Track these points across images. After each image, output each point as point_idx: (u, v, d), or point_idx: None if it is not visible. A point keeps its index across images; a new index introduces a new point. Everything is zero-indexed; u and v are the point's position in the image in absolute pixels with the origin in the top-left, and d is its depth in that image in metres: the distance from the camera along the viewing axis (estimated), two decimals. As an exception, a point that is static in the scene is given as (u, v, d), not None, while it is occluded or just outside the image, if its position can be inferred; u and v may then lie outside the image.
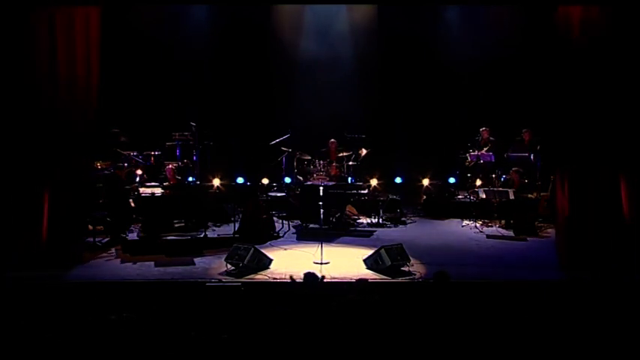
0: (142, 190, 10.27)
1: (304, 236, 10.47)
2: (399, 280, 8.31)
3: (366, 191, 11.78)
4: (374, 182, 12.00)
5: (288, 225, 11.09)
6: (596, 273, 8.35)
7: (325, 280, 8.05)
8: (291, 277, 7.32)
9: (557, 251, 9.05)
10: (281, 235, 10.60)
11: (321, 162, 11.93)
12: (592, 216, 8.69)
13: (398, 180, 12.96)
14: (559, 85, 8.81)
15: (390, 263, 8.44)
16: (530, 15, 11.54)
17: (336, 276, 8.26)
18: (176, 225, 10.34)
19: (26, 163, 8.73)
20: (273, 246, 9.84)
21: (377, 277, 8.34)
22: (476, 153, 12.04)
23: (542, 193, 11.16)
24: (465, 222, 11.40)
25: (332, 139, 12.14)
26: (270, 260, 8.79)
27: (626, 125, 8.61)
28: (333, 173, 11.69)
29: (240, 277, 8.27)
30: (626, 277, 8.16)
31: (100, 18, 8.89)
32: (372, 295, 6.31)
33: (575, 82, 8.67)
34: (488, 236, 10.55)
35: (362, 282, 6.86)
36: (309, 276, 6.86)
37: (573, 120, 8.71)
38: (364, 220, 11.69)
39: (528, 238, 10.34)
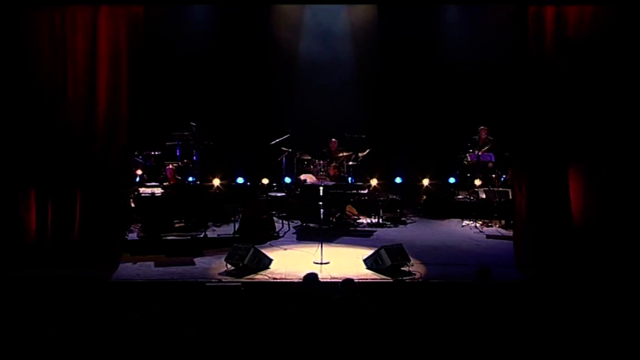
0: (141, 190, 10.27)
1: (304, 236, 10.47)
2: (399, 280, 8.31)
3: (366, 191, 11.80)
4: (374, 182, 12.02)
5: (288, 225, 11.10)
6: (549, 274, 8.27)
7: (325, 280, 8.08)
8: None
9: (514, 250, 8.91)
10: (281, 235, 10.61)
11: (321, 162, 11.94)
12: (546, 216, 8.60)
13: (398, 180, 12.98)
14: (514, 84, 8.78)
15: (390, 263, 8.44)
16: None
17: (336, 276, 8.26)
18: (176, 225, 10.34)
19: (60, 162, 8.60)
20: (273, 246, 9.84)
21: (377, 277, 8.34)
22: (476, 153, 12.04)
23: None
24: (465, 222, 11.42)
25: (332, 139, 12.15)
26: (270, 260, 8.79)
27: (579, 125, 8.55)
28: (332, 173, 11.70)
29: (240, 277, 8.27)
30: (575, 280, 8.08)
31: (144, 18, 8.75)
32: (355, 295, 6.32)
33: (530, 81, 8.62)
34: (488, 236, 10.56)
35: (348, 282, 6.87)
36: (309, 276, 6.86)
37: (529, 120, 8.63)
38: (364, 220, 11.70)
39: (528, 238, 10.34)
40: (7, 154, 8.54)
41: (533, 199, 8.64)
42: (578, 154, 8.61)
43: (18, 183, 8.56)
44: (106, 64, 8.57)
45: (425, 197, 12.46)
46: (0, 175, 8.53)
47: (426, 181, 12.49)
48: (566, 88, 8.55)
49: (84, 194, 8.59)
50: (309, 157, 12.17)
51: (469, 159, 12.18)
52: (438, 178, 12.72)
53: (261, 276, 8.37)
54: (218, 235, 10.29)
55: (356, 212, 11.82)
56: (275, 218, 11.20)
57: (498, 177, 11.73)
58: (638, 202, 8.51)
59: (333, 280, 8.08)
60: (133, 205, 10.27)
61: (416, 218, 12.04)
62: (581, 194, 8.61)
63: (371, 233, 10.85)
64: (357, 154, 12.13)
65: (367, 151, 12.18)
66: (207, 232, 10.08)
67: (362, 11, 13.32)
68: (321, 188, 9.58)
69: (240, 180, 12.36)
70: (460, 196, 12.52)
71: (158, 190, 10.33)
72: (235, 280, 8.17)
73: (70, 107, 8.56)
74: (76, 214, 8.58)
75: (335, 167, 11.78)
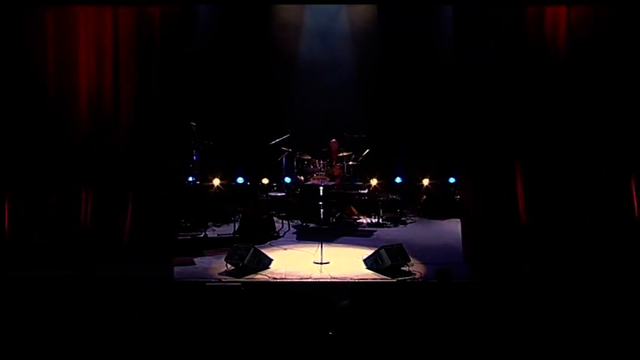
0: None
1: (304, 236, 10.48)
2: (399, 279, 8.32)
3: (366, 191, 11.79)
4: (374, 182, 12.01)
5: (288, 225, 11.10)
6: (494, 272, 8.27)
7: (326, 280, 8.09)
8: None
9: (463, 246, 8.89)
10: (281, 235, 10.61)
11: (322, 162, 11.94)
12: (491, 214, 8.64)
13: (398, 180, 12.96)
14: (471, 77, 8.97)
15: (390, 263, 8.43)
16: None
17: (336, 276, 8.26)
18: (176, 225, 10.34)
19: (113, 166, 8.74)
20: (273, 246, 9.84)
21: (377, 277, 8.34)
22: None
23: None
24: (465, 222, 11.39)
25: (333, 139, 12.14)
26: (270, 260, 8.79)
27: (524, 122, 8.60)
28: (336, 173, 11.68)
29: (240, 277, 8.27)
30: (520, 278, 8.08)
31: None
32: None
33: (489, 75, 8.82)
34: (488, 236, 10.55)
35: (444, 272, 6.81)
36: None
37: (472, 114, 8.77)
38: (364, 220, 11.70)
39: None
40: (58, 157, 8.68)
41: (479, 194, 8.68)
42: (526, 151, 8.60)
43: (70, 184, 8.72)
44: (159, 66, 8.77)
45: (425, 197, 12.45)
46: (50, 177, 8.68)
47: (426, 181, 12.48)
48: (515, 86, 8.65)
49: (135, 196, 8.70)
50: (309, 157, 12.16)
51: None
52: (438, 178, 12.71)
53: (261, 276, 8.37)
54: (218, 235, 10.29)
55: (356, 212, 11.82)
56: (275, 218, 11.20)
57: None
58: (587, 200, 8.55)
59: (333, 280, 8.08)
60: None
61: (416, 218, 12.04)
62: (527, 191, 8.61)
63: (371, 233, 10.86)
64: (357, 154, 12.12)
65: (367, 151, 12.18)
66: (207, 232, 10.09)
67: (362, 11, 13.31)
68: (321, 188, 9.58)
69: (240, 180, 12.35)
70: (460, 196, 12.51)
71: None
72: (235, 280, 8.17)
73: (120, 113, 8.74)
74: (127, 215, 8.69)
75: (340, 167, 11.77)
